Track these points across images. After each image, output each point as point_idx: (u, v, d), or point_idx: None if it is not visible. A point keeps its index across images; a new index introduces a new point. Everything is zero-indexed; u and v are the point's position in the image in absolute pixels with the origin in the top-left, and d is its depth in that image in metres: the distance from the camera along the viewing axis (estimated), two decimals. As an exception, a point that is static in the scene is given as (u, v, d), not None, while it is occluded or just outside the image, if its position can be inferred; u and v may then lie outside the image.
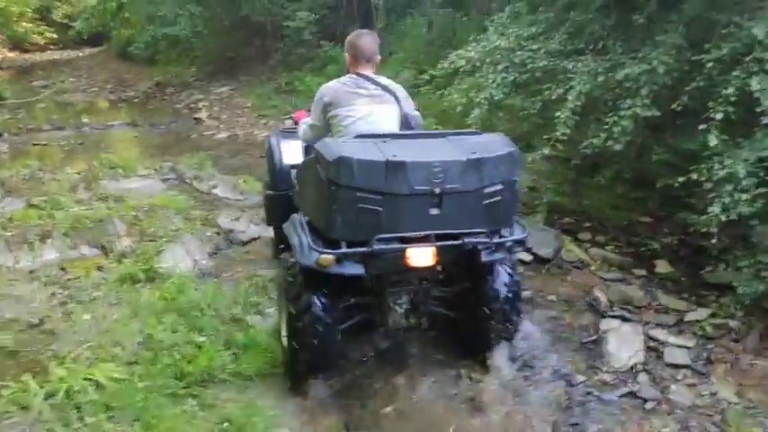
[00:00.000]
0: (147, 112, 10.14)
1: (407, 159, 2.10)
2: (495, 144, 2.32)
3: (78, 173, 5.90)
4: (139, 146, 7.75)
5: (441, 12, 8.72)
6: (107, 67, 16.47)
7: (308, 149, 2.83)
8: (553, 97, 3.62)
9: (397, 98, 2.69)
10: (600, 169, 3.94)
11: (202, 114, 9.24)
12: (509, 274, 2.62)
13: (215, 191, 5.50)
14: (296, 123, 3.17)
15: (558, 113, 3.42)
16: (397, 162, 2.08)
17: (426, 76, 6.46)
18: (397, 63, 8.18)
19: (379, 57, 2.78)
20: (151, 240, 4.09)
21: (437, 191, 2.14)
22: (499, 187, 2.24)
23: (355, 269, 2.25)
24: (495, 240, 2.30)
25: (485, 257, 2.36)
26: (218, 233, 4.37)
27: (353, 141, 2.29)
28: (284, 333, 2.57)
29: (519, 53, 3.97)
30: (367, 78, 2.65)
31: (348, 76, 2.70)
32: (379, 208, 2.13)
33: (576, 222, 4.25)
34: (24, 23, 21.45)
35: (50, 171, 6.00)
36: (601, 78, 3.43)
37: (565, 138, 3.38)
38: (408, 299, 2.57)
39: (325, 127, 2.68)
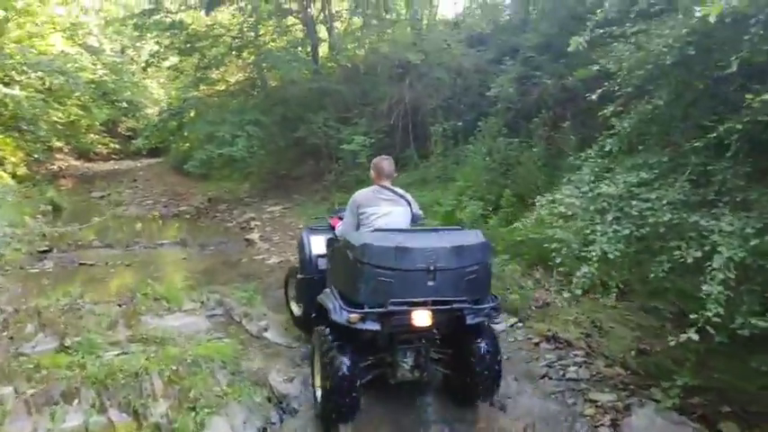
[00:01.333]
0: (198, 230, 9.95)
1: (411, 245, 3.06)
2: (471, 237, 3.29)
3: (120, 304, 5.44)
4: (187, 270, 7.33)
5: (501, 139, 8.49)
6: (163, 180, 16.95)
7: (330, 242, 3.89)
8: (689, 261, 2.96)
9: (408, 202, 3.79)
10: (756, 351, 3.16)
11: (254, 235, 8.93)
12: (491, 338, 3.44)
13: (266, 334, 4.89)
14: (332, 228, 4.15)
15: (705, 287, 2.74)
16: (404, 247, 3.04)
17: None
18: (458, 191, 7.80)
19: (396, 174, 3.96)
20: (191, 408, 3.44)
21: (431, 268, 3.04)
22: (475, 267, 3.15)
23: (374, 325, 3.03)
24: (476, 307, 3.16)
25: (469, 320, 3.18)
26: (269, 399, 3.69)
27: (373, 233, 3.27)
28: (318, 385, 3.37)
29: (634, 203, 3.40)
30: (387, 188, 3.78)
31: (374, 186, 3.83)
32: (391, 280, 3.01)
33: (709, 404, 3.40)
34: (92, 135, 22.85)
35: (91, 301, 5.56)
36: (754, 242, 2.79)
37: (718, 319, 2.67)
38: (413, 357, 3.32)
39: (356, 223, 3.70)
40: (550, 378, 4.01)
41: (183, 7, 12.43)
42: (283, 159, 13.31)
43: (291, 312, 4.90)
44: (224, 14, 13.51)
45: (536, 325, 4.87)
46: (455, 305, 3.10)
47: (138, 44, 18.05)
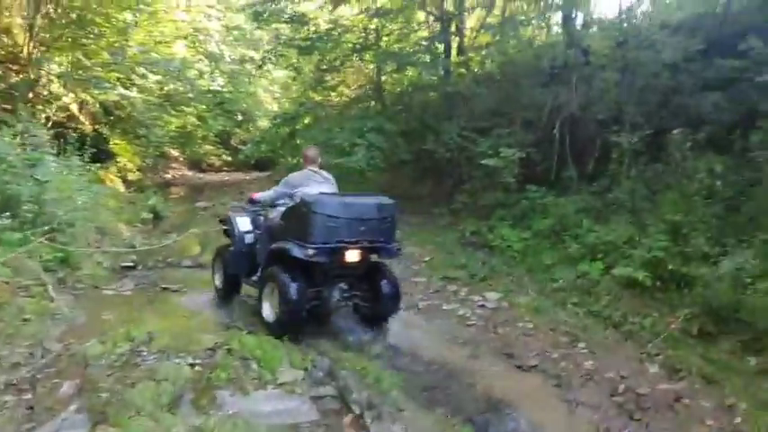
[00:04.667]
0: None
1: (351, 201, 4.40)
2: (386, 198, 4.58)
3: (193, 364, 3.75)
4: None
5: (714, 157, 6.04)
6: (269, 192, 15.93)
7: (254, 220, 5.28)
8: None
9: (333, 183, 4.97)
10: None
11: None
12: (393, 276, 4.78)
13: (406, 451, 2.95)
14: (251, 201, 5.25)
15: None
16: (347, 202, 4.36)
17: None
18: (669, 227, 5.42)
19: (320, 159, 5.10)
20: None
21: (363, 218, 4.32)
22: (389, 219, 4.48)
23: (324, 258, 4.20)
24: (389, 246, 4.49)
25: (383, 256, 4.60)
26: None
27: (320, 194, 4.47)
28: (267, 311, 4.53)
29: None
30: (316, 172, 4.91)
31: (305, 170, 4.90)
32: (336, 225, 4.20)
33: None
34: (206, 146, 22.84)
35: (158, 351, 3.94)
36: None
37: None
38: (340, 291, 4.58)
39: (288, 195, 4.84)
40: None
41: (306, -2, 11.14)
42: (400, 175, 11.57)
43: (216, 288, 5.65)
44: (347, 12, 12.15)
45: None
46: (377, 244, 4.41)
47: (256, 47, 17.36)
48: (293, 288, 4.23)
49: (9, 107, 10.19)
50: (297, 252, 4.17)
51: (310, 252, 4.11)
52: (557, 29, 11.62)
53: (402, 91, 11.51)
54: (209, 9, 18.15)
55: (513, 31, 10.41)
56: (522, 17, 10.63)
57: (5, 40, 11.84)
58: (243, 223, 5.31)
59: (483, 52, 11.31)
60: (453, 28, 10.71)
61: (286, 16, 10.91)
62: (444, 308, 5.69)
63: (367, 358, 4.20)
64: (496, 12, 11.83)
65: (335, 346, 4.42)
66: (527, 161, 8.40)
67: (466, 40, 11.45)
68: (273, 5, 10.82)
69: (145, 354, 3.89)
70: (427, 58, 10.57)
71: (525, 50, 10.52)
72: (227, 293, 5.43)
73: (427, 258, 7.41)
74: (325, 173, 4.97)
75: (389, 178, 11.74)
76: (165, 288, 6.07)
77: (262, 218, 5.19)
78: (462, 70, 11.07)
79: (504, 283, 6.46)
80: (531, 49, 10.54)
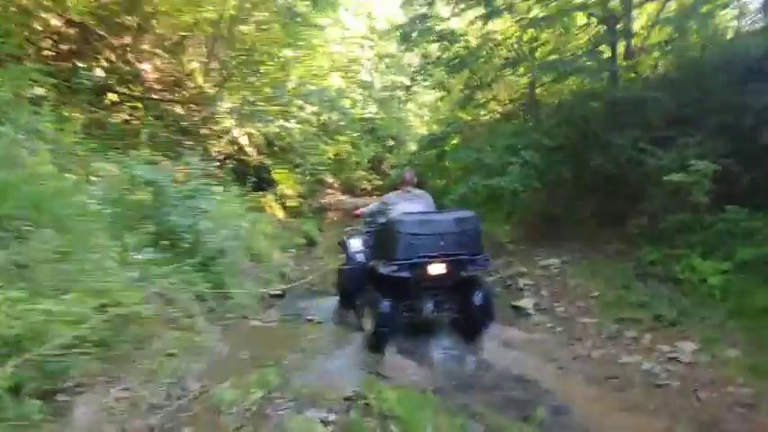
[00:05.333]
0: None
1: (428, 218, 4.82)
2: (467, 212, 5.00)
3: (325, 420, 3.33)
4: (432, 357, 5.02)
5: None
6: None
7: (366, 241, 5.85)
8: None
9: (426, 201, 5.56)
10: None
11: (526, 302, 6.26)
12: (486, 288, 5.13)
13: None
14: (356, 215, 6.31)
15: None
16: (424, 219, 4.79)
17: None
18: None
19: (416, 179, 5.79)
20: None
21: (442, 233, 4.69)
22: (470, 232, 4.79)
23: (406, 273, 4.58)
24: (472, 257, 4.75)
25: (470, 269, 4.80)
26: None
27: (403, 214, 5.03)
28: (366, 326, 4.97)
29: None
30: (408, 192, 5.54)
31: (398, 191, 5.62)
32: (417, 242, 4.60)
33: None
34: (359, 171, 23.60)
35: (293, 399, 3.61)
36: None
37: None
38: (432, 302, 4.96)
39: (382, 213, 5.55)
40: None
41: (456, 10, 10.65)
42: (557, 195, 10.42)
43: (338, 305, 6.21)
44: (499, 25, 11.46)
45: None
46: (459, 257, 4.68)
47: (405, 73, 17.43)
48: (384, 304, 4.72)
49: (190, 142, 11.27)
50: (382, 269, 4.69)
51: (394, 268, 4.61)
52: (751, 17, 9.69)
53: (560, 102, 10.41)
54: (362, 40, 18.75)
55: (696, 24, 8.82)
56: (708, 5, 8.96)
57: (189, 83, 13.24)
58: (354, 244, 5.92)
59: (656, 53, 9.81)
60: (620, 27, 9.42)
61: (435, 35, 10.55)
62: (623, 360, 4.64)
63: (529, 425, 3.42)
64: (671, 5, 10.24)
65: (491, 406, 3.71)
66: (723, 175, 6.85)
67: (634, 40, 10.05)
68: (421, 25, 10.54)
69: (279, 401, 3.58)
70: (591, 63, 9.41)
71: (713, 44, 8.84)
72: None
73: (595, 293, 6.31)
74: (418, 191, 5.67)
75: (544, 198, 10.69)
76: (309, 320, 5.90)
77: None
78: (633, 74, 9.68)
79: (702, 330, 5.14)
80: (722, 43, 8.82)
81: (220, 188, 11.05)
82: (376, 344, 4.74)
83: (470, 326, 4.99)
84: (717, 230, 6.57)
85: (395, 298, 4.75)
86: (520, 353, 4.92)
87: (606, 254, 7.92)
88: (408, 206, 5.20)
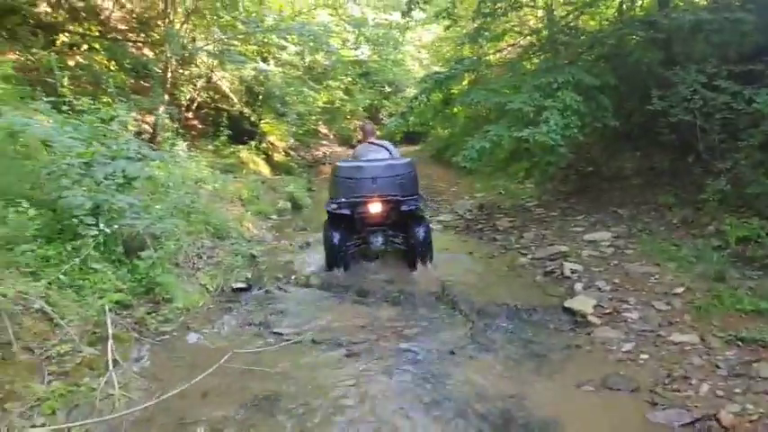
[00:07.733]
0: (476, 267, 5.94)
1: (362, 165, 5.45)
2: (401, 159, 5.74)
3: None
4: (471, 391, 3.28)
5: None
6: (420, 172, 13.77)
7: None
8: None
9: (387, 150, 5.91)
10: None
11: (581, 302, 4.47)
12: (425, 225, 5.59)
13: None
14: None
15: None
16: (359, 165, 5.47)
17: None
18: None
19: (378, 131, 6.67)
20: None
21: (375, 176, 5.27)
22: (402, 176, 5.37)
23: (346, 210, 5.29)
24: (404, 198, 5.29)
25: (404, 208, 5.31)
26: None
27: (345, 161, 6.03)
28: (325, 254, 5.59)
29: None
30: (372, 143, 6.05)
31: (364, 144, 6.13)
32: (353, 184, 5.28)
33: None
34: (355, 121, 21.55)
35: None
36: None
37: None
38: (382, 237, 5.56)
39: None
40: None
41: None
42: (601, 148, 8.62)
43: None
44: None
45: None
46: (392, 197, 5.25)
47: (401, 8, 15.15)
48: (333, 234, 5.44)
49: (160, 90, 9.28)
50: (327, 207, 5.48)
51: (335, 206, 5.34)
52: None
53: (600, 31, 8.40)
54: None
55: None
56: None
57: (160, 23, 10.88)
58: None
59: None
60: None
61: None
62: None
63: None
64: None
65: None
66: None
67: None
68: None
69: None
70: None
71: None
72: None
73: (678, 289, 4.54)
74: (381, 142, 6.17)
75: (584, 153, 8.88)
76: (277, 333, 4.16)
77: None
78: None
79: None
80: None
81: (183, 144, 9.20)
82: (328, 267, 5.46)
83: (413, 257, 5.51)
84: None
85: (345, 232, 5.48)
86: (613, 405, 3.19)
87: (669, 225, 6.17)
88: (374, 156, 5.75)
